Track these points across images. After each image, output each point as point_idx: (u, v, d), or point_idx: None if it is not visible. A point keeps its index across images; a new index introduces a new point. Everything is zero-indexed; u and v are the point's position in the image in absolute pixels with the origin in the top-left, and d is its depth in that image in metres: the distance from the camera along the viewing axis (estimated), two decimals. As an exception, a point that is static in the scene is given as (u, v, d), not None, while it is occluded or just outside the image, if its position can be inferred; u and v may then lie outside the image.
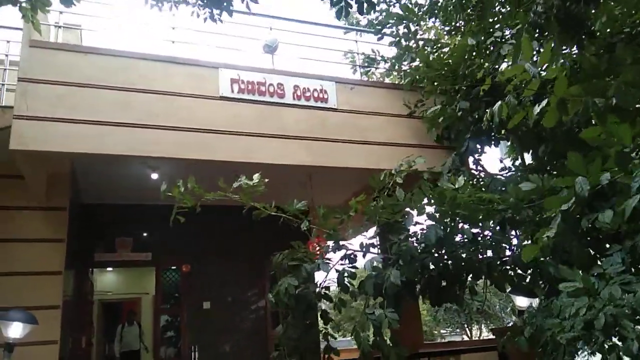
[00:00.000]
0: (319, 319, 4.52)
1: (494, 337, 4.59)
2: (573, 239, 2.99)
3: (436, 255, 3.88)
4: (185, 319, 7.76)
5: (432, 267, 3.86)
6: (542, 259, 3.75)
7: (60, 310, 5.28)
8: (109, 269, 11.17)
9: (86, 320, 7.44)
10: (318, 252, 4.10)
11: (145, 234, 7.90)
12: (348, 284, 3.89)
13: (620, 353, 2.55)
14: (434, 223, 3.87)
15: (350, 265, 4.02)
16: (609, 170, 2.78)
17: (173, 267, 8.04)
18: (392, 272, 3.60)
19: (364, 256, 4.03)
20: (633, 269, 3.09)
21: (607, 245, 3.29)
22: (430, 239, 3.66)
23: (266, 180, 3.90)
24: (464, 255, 3.98)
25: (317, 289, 3.96)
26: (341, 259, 4.06)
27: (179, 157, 5.38)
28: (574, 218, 2.84)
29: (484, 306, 15.44)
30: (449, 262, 3.94)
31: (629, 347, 2.49)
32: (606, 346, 2.59)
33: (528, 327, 3.23)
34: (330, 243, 4.19)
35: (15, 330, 3.64)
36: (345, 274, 3.86)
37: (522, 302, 4.77)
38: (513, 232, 4.27)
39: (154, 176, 6.31)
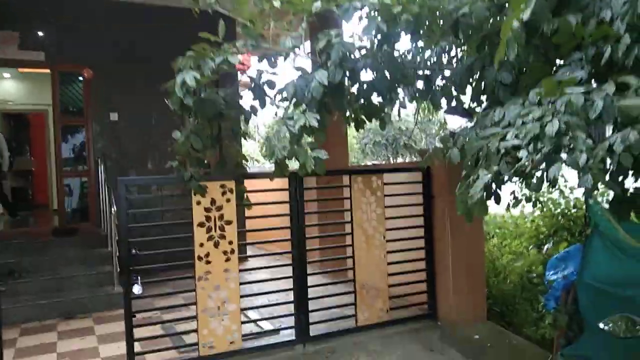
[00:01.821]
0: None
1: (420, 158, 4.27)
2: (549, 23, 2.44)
3: (371, 59, 3.24)
4: (90, 132, 6.99)
5: (364, 73, 3.25)
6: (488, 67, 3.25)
7: None
8: (6, 75, 9.89)
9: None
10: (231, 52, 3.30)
11: (36, 30, 6.63)
12: (265, 91, 3.24)
13: (565, 164, 2.20)
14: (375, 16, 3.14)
15: (271, 71, 3.32)
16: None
17: (72, 72, 6.94)
18: (318, 72, 2.98)
19: (285, 59, 3.33)
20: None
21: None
22: (370, 32, 2.99)
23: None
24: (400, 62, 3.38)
25: (225, 94, 3.28)
26: (258, 61, 3.36)
27: None
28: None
29: (410, 139, 15.72)
30: (385, 70, 3.34)
31: (576, 159, 2.13)
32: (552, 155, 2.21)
33: (461, 137, 2.83)
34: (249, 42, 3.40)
35: None
36: (262, 79, 3.19)
37: (456, 124, 4.42)
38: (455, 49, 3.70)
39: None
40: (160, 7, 6.87)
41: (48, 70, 6.87)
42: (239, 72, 6.57)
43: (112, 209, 5.45)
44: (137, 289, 4.84)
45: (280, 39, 3.19)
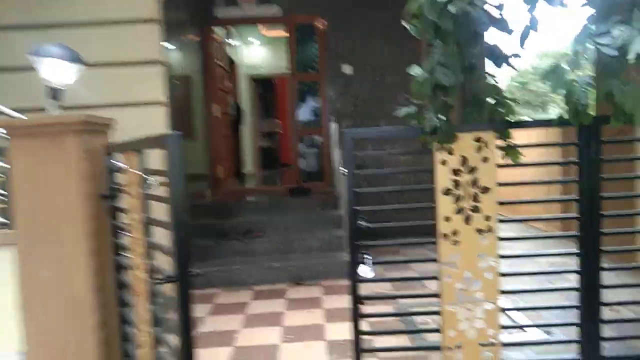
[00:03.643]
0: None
1: None
2: None
3: None
4: (324, 88, 6.64)
5: None
6: None
7: (161, 68, 4.37)
8: (255, 41, 10.44)
9: (215, 86, 6.70)
10: None
11: (271, -16, 6.49)
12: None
13: None
14: None
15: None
16: None
17: (306, 24, 6.60)
18: None
19: None
20: None
21: None
22: None
23: None
24: None
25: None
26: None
27: None
28: None
29: None
30: None
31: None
32: None
33: None
34: None
35: (51, 70, 2.70)
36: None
37: None
38: None
39: None
40: None
41: (283, 26, 6.70)
42: None
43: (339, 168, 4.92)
44: (365, 270, 4.12)
45: None
